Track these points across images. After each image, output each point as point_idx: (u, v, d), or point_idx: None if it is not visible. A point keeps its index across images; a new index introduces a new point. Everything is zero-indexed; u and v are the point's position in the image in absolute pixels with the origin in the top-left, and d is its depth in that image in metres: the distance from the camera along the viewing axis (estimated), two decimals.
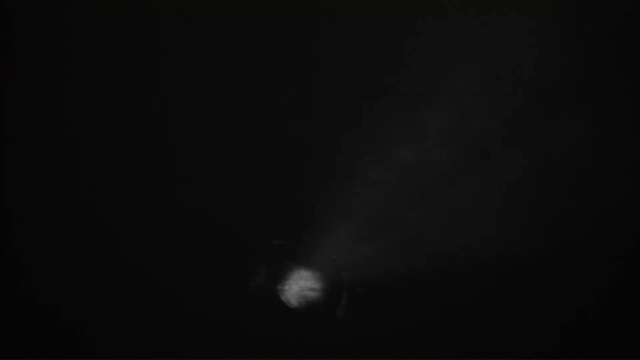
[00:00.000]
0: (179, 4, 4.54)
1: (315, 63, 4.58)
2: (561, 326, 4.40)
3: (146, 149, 4.53)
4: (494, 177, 4.42)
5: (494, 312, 4.40)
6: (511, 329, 4.39)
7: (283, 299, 4.49)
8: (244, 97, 4.59)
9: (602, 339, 4.33)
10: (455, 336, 4.37)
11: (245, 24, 4.59)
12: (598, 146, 4.38)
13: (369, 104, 4.51)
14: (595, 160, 4.40)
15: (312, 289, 4.50)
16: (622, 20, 4.32)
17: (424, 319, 4.40)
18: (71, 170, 4.48)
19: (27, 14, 4.44)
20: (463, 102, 4.44)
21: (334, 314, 4.46)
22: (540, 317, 4.41)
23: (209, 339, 4.34)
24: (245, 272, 4.51)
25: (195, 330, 4.36)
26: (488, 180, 4.41)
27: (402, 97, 4.46)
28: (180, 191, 4.53)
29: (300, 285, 4.51)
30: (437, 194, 4.45)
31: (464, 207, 4.45)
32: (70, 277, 4.40)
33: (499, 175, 4.42)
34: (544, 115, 4.40)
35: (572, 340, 4.36)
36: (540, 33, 4.38)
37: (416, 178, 4.45)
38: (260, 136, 4.59)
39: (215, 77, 4.59)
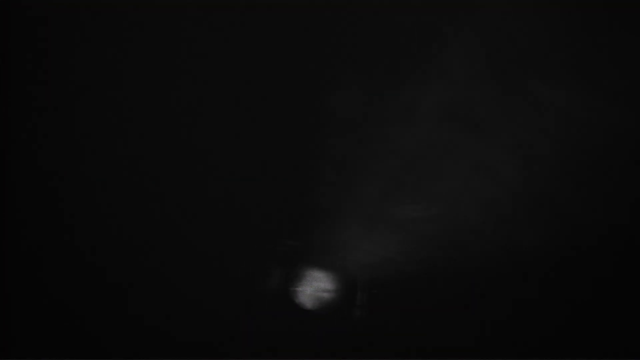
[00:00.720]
0: (185, 3, 4.55)
1: (320, 58, 4.56)
2: (563, 326, 4.39)
3: (160, 147, 4.53)
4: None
5: (502, 312, 4.39)
6: (516, 328, 4.38)
7: (297, 300, 4.47)
8: (257, 97, 4.58)
9: (602, 339, 4.32)
10: (470, 335, 4.36)
11: (257, 23, 4.59)
12: (602, 124, 4.35)
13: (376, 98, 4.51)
14: (599, 140, 4.36)
15: (326, 290, 4.48)
16: None
17: (439, 319, 4.39)
18: (80, 169, 4.48)
19: (30, 13, 4.45)
20: (461, 82, 4.42)
21: (349, 315, 4.43)
22: (547, 317, 4.40)
23: (223, 340, 4.33)
24: (259, 273, 4.50)
25: (209, 331, 4.35)
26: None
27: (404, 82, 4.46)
28: (193, 192, 4.53)
29: (314, 287, 4.48)
30: (448, 192, 4.44)
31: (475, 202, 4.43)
32: (79, 276, 4.40)
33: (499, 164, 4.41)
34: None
35: (572, 340, 4.35)
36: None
37: (427, 175, 4.44)
38: (270, 136, 4.58)
39: (227, 76, 4.58)
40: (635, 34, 4.35)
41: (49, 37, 4.49)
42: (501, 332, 4.36)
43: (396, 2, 4.52)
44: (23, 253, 4.39)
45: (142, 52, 4.53)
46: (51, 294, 4.35)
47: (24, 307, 4.33)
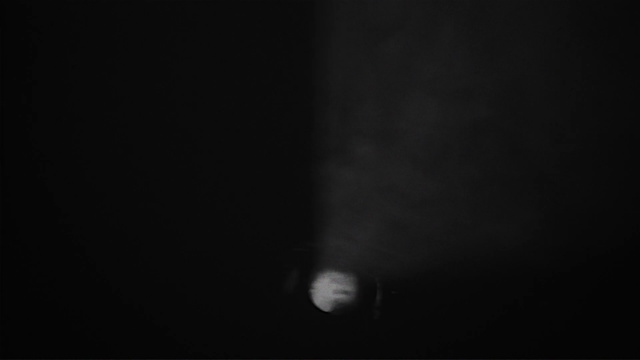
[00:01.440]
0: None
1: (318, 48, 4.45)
2: (566, 326, 4.39)
3: (170, 148, 4.48)
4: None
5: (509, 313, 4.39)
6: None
7: (315, 302, 4.44)
8: (262, 93, 4.50)
9: (605, 339, 4.32)
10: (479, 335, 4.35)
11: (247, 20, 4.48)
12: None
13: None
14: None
15: (344, 292, 4.44)
16: None
17: (451, 319, 4.38)
18: (80, 171, 4.43)
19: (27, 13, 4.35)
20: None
21: (367, 317, 4.40)
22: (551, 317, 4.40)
23: (241, 344, 4.31)
24: (276, 276, 4.46)
25: (227, 335, 4.33)
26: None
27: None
28: (207, 194, 4.48)
29: (332, 289, 4.45)
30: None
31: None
32: (85, 278, 4.37)
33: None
34: None
35: (575, 341, 4.35)
36: None
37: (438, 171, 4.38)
38: (281, 134, 4.51)
39: (227, 71, 4.49)
40: None
41: (42, 35, 4.41)
42: (510, 333, 4.36)
43: None
44: (29, 255, 4.36)
45: (139, 49, 4.45)
46: (50, 295, 4.33)
47: (21, 309, 4.30)
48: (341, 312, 4.41)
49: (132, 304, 4.34)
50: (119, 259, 4.39)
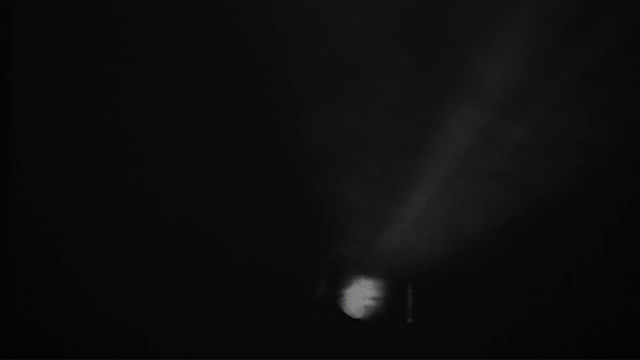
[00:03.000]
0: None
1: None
2: (568, 326, 4.42)
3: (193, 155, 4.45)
4: None
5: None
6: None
7: (345, 309, 4.42)
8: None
9: (607, 339, 4.35)
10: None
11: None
12: None
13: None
14: None
15: (374, 298, 4.43)
16: None
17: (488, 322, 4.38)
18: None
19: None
20: None
21: (397, 322, 4.39)
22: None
23: (272, 350, 4.26)
24: (306, 283, 4.43)
25: (257, 340, 4.30)
26: None
27: None
28: (241, 200, 4.45)
29: (362, 295, 4.43)
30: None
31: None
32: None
33: None
34: None
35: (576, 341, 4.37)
36: None
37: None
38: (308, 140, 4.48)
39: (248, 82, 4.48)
40: None
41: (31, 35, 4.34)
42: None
43: None
44: (16, 264, 4.30)
45: (148, 53, 4.41)
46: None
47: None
48: (371, 318, 4.40)
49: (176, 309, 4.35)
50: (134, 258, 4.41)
